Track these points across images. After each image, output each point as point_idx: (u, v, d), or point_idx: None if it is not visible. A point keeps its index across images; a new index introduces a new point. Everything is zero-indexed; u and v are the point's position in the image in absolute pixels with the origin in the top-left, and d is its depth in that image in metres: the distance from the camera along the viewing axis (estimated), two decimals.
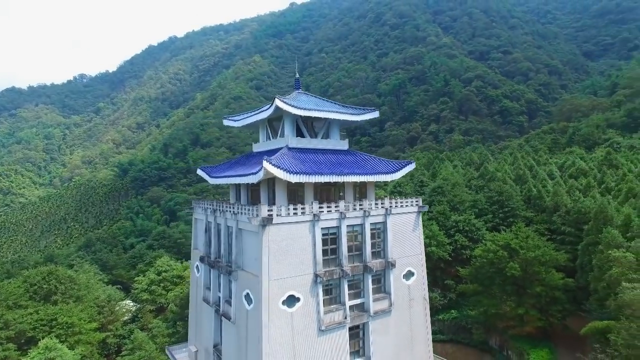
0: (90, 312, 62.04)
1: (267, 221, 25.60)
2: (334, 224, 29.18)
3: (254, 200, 33.62)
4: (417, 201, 35.04)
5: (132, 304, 74.82)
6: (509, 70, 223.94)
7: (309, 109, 31.85)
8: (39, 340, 48.00)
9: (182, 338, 55.22)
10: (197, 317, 36.62)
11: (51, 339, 47.73)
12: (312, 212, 27.95)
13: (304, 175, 28.05)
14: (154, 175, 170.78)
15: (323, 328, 27.61)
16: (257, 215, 25.99)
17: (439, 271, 59.80)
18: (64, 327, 53.99)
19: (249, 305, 27.10)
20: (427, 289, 35.22)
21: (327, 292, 28.80)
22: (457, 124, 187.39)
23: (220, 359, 31.38)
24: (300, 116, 33.34)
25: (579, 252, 49.82)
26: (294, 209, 27.28)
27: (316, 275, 27.66)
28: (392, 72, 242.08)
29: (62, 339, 51.17)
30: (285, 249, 26.64)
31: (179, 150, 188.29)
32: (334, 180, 30.02)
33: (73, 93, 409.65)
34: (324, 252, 28.66)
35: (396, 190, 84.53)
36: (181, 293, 61.28)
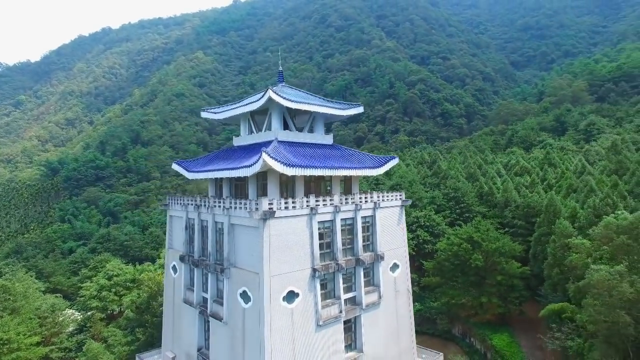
0: (30, 324, 56.18)
1: (270, 215, 24.78)
2: (328, 217, 29.01)
3: (239, 195, 32.49)
4: (400, 195, 35.90)
5: (77, 313, 68.69)
6: (448, 75, 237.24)
7: (299, 102, 31.44)
8: None
9: (143, 345, 51.84)
10: (175, 321, 34.50)
11: None
12: (309, 206, 27.53)
13: (300, 168, 27.56)
14: (90, 175, 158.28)
15: (321, 323, 27.30)
16: (257, 209, 25.09)
17: None
18: None
19: (246, 303, 26.05)
20: (410, 280, 36.19)
21: (322, 286, 28.50)
22: (402, 125, 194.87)
23: None
24: (287, 109, 32.85)
25: (532, 243, 53.87)
26: (293, 202, 26.70)
27: (314, 270, 27.29)
28: (338, 73, 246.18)
29: None
30: (285, 244, 26.00)
31: (117, 148, 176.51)
32: (327, 174, 29.88)
33: None
34: (320, 246, 28.35)
35: None
36: (138, 298, 57.33)
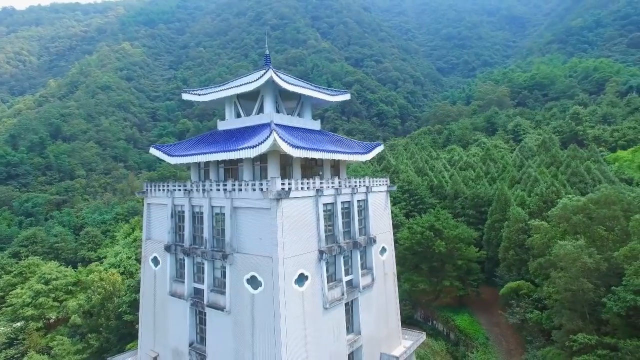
0: None
1: (285, 194, 24.08)
2: (330, 200, 28.88)
3: (231, 180, 31.05)
4: (386, 181, 36.83)
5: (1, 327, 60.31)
6: (382, 77, 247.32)
7: (295, 84, 31.03)
8: None
9: (97, 352, 47.44)
10: (157, 317, 31.91)
11: None
12: (314, 187, 27.20)
13: (304, 150, 27.19)
14: None
15: (327, 306, 27.05)
16: (269, 189, 24.25)
17: None
18: None
19: (256, 289, 25.01)
20: (395, 263, 37.29)
21: (326, 269, 28.25)
22: (341, 124, 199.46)
23: (203, 356, 28.03)
24: (279, 92, 32.18)
25: (485, 230, 58.23)
26: (302, 182, 26.21)
27: (321, 252, 27.00)
28: None
29: None
30: (295, 226, 25.42)
31: (33, 143, 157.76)
32: (326, 157, 29.74)
33: None
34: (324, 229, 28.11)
35: None
36: (88, 301, 52.04)
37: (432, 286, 55.61)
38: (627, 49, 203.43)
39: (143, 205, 34.40)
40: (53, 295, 58.52)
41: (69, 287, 59.74)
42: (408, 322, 58.40)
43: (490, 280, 56.01)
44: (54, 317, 61.85)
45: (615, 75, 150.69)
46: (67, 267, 66.80)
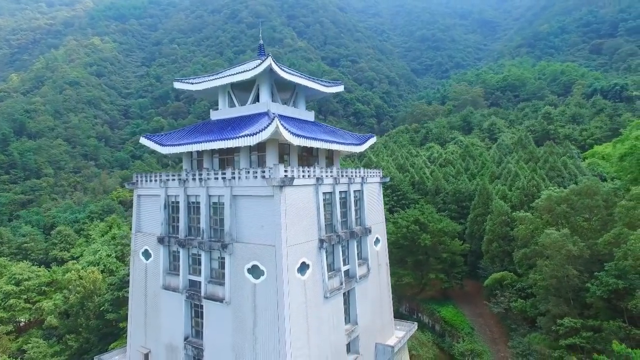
0: None
1: (289, 182, 23.76)
2: (329, 189, 28.76)
3: (226, 169, 30.43)
4: (378, 172, 37.08)
5: None
6: (358, 77, 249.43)
7: (291, 74, 30.76)
8: None
9: (77, 353, 45.44)
10: (149, 312, 30.80)
11: None
12: (315, 176, 27.00)
13: (303, 138, 27.12)
14: None
15: (327, 295, 26.94)
16: (271, 176, 23.87)
17: None
18: None
19: (257, 278, 24.56)
20: (387, 255, 37.56)
21: (326, 258, 28.08)
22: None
23: (199, 350, 27.27)
24: (274, 82, 31.81)
25: (467, 224, 59.48)
26: (303, 171, 25.97)
27: (321, 241, 26.83)
28: None
29: None
30: (297, 214, 25.15)
31: None
32: (324, 147, 29.67)
33: None
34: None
35: None
36: (65, 302, 49.64)
37: (417, 279, 56.37)
38: (589, 54, 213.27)
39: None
40: (25, 296, 55.48)
41: (43, 288, 56.79)
42: (394, 315, 59.14)
43: (473, 273, 57.28)
44: (24, 320, 58.80)
45: (581, 79, 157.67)
46: (40, 267, 63.63)
